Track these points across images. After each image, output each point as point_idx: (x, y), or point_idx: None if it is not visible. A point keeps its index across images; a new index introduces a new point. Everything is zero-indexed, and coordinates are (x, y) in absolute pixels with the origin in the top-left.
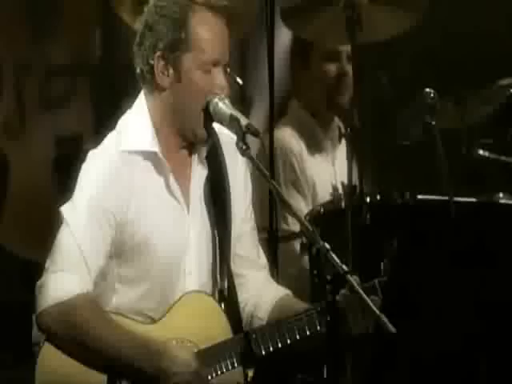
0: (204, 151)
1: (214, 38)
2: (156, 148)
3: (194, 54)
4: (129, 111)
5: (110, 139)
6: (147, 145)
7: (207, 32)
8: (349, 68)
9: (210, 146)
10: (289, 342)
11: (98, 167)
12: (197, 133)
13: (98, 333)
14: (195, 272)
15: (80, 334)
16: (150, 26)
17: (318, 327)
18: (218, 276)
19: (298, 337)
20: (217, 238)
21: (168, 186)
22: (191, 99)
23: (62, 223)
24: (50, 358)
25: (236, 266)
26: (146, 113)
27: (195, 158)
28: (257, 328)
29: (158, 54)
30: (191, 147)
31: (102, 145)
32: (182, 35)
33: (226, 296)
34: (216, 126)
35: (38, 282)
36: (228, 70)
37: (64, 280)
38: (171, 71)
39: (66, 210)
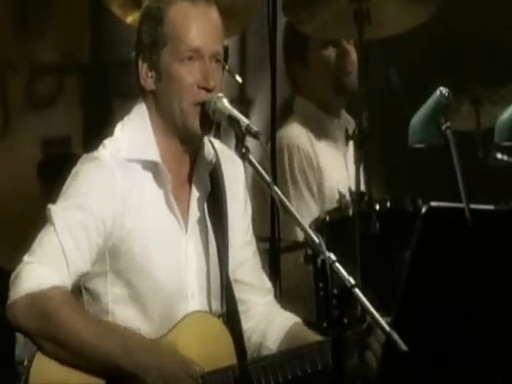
0: (206, 167)
1: (193, 27)
2: (158, 158)
3: (171, 46)
4: (127, 117)
5: (107, 145)
6: (149, 154)
7: (184, 21)
8: (349, 48)
9: (213, 165)
10: (299, 374)
11: (91, 171)
12: (189, 128)
13: (71, 325)
14: (198, 295)
15: (52, 326)
16: (138, 34)
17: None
18: (219, 299)
19: (309, 370)
20: (217, 259)
21: (168, 200)
22: (175, 93)
23: (47, 221)
24: (43, 369)
25: (239, 293)
26: (147, 121)
27: (197, 174)
28: (264, 357)
29: (140, 57)
30: (193, 162)
31: (97, 151)
32: (160, 31)
33: (228, 319)
34: (216, 143)
35: (12, 274)
36: (226, 66)
37: (39, 271)
38: (153, 72)
39: (52, 208)
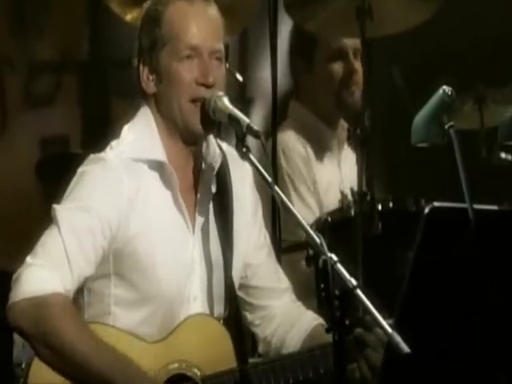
0: (213, 169)
1: (190, 25)
2: (164, 158)
3: (170, 46)
4: (133, 120)
5: (114, 146)
6: (155, 153)
7: (181, 20)
8: (358, 65)
9: (220, 166)
10: (301, 378)
11: (98, 172)
12: (191, 129)
13: (65, 334)
14: (200, 298)
15: (50, 334)
16: (138, 39)
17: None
18: (223, 302)
19: (310, 374)
20: (221, 262)
21: (175, 201)
22: (174, 92)
23: (51, 222)
24: (42, 372)
25: (258, 299)
26: (153, 123)
27: (203, 176)
28: (265, 361)
29: (141, 61)
30: (199, 163)
31: (104, 152)
32: (158, 32)
33: (229, 322)
34: (224, 145)
35: (14, 274)
36: (227, 65)
37: (41, 275)
38: (154, 75)
39: (58, 208)
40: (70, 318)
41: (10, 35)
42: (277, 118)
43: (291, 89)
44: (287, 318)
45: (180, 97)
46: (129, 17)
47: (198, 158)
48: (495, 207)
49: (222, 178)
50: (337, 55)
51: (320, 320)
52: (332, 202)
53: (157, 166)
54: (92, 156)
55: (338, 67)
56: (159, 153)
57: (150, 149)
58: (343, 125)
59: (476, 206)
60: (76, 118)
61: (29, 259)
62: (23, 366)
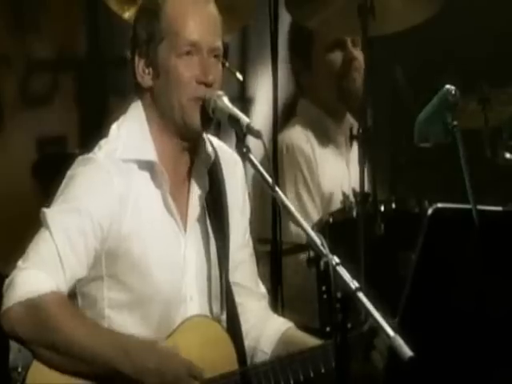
0: (205, 165)
1: (190, 20)
2: (155, 157)
3: (169, 41)
4: (123, 117)
5: (102, 146)
6: (145, 153)
7: (181, 15)
8: (357, 53)
9: (212, 163)
10: (302, 378)
11: (88, 173)
12: (189, 124)
13: (70, 331)
14: (196, 298)
15: (50, 332)
16: (134, 29)
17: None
18: (220, 302)
19: (311, 374)
20: (216, 261)
21: (165, 201)
22: (173, 89)
23: (42, 226)
24: (39, 376)
25: (235, 295)
26: (143, 120)
27: (195, 172)
28: (265, 362)
29: (137, 53)
30: (191, 160)
31: (93, 152)
32: (156, 26)
33: (228, 323)
34: (215, 141)
35: (7, 280)
36: (226, 63)
37: (35, 277)
38: (150, 69)
39: (48, 212)
40: (66, 313)
41: (7, 33)
42: (280, 117)
43: (296, 89)
44: (261, 321)
45: (180, 94)
46: (127, 14)
47: (190, 154)
48: (499, 208)
49: (215, 175)
50: (335, 45)
51: (290, 324)
52: (338, 203)
53: (147, 166)
54: (80, 157)
55: (336, 57)
56: (150, 153)
57: (141, 149)
58: (350, 121)
59: (480, 207)
60: (73, 117)
61: (20, 263)
62: (19, 369)
